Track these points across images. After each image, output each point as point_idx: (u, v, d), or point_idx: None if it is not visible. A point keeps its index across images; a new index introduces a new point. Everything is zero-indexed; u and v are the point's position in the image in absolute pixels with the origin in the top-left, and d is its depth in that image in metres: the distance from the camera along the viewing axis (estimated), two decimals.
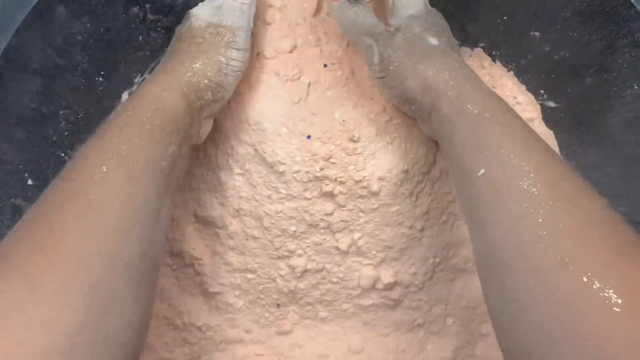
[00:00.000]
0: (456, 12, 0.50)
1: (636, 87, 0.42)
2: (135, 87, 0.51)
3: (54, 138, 0.47)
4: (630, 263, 0.28)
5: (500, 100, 0.37)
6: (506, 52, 0.51)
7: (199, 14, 0.44)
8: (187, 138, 0.40)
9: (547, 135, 0.50)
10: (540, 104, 0.50)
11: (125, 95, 0.51)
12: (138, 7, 0.47)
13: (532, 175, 0.32)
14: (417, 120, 0.44)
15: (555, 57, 0.47)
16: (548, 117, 0.50)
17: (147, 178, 0.36)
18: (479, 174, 0.34)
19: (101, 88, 0.48)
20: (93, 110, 0.49)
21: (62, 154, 0.48)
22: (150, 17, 0.48)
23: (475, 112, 0.36)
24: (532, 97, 0.51)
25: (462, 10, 0.50)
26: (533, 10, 0.46)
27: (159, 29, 0.49)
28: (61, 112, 0.47)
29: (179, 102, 0.40)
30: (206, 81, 0.41)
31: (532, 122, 0.50)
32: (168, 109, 0.39)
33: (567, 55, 0.46)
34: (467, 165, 0.35)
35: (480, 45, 0.51)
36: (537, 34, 0.47)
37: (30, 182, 0.45)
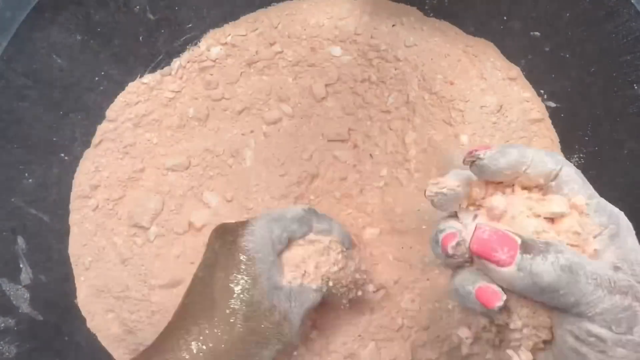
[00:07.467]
0: (456, 11, 0.50)
1: (636, 87, 0.42)
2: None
3: (54, 139, 0.47)
4: None
5: None
6: (506, 52, 0.51)
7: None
8: None
9: (554, 139, 0.50)
10: None
11: (122, 99, 0.50)
12: (138, 7, 0.47)
13: None
14: None
15: (556, 57, 0.47)
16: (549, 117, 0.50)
17: None
18: None
19: (101, 88, 0.49)
20: (93, 110, 0.49)
21: (63, 155, 0.48)
22: (150, 16, 0.49)
23: None
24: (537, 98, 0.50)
25: (463, 10, 0.50)
26: (533, 10, 0.46)
27: (163, 28, 0.50)
28: (60, 112, 0.47)
29: None
30: None
31: (540, 123, 0.50)
32: None
33: (567, 56, 0.46)
34: None
35: None
36: (537, 33, 0.47)
37: (30, 181, 0.45)
